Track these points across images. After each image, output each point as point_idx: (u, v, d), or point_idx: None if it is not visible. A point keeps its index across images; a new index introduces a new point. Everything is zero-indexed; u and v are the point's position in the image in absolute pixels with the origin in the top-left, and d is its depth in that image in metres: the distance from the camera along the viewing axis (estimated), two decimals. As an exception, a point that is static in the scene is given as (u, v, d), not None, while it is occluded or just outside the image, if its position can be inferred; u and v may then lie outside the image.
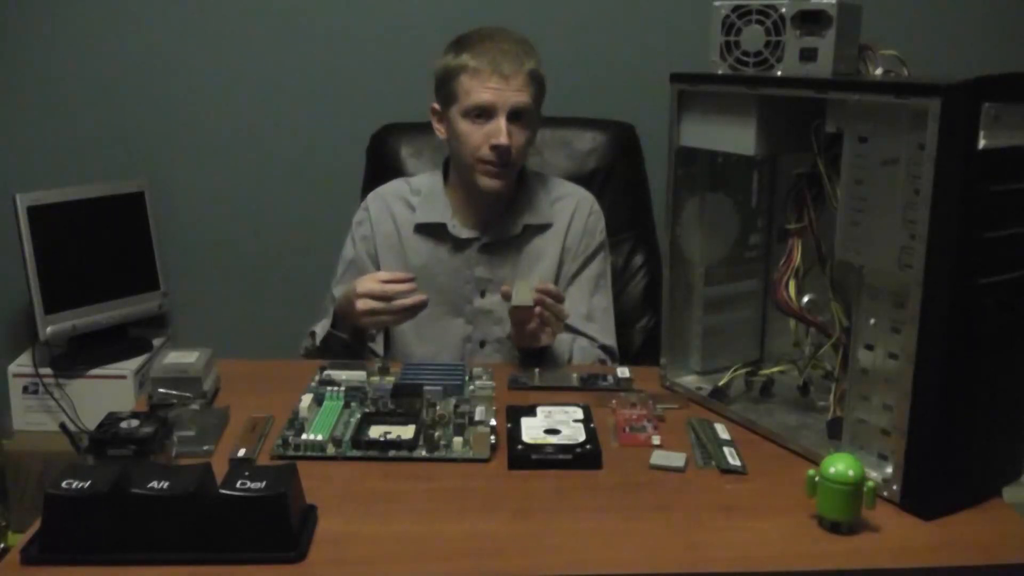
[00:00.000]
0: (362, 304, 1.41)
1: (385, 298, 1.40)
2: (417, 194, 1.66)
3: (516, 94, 1.51)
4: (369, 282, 1.42)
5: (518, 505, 1.03)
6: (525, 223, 1.62)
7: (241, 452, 1.10)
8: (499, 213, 1.63)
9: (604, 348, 1.62)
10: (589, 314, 1.63)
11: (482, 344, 1.62)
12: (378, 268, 1.63)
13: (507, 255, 1.63)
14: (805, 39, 1.12)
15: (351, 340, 1.50)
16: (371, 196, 1.70)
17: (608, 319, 1.67)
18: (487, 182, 1.56)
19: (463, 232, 1.62)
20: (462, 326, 1.62)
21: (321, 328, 1.53)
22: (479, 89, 1.51)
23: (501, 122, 1.51)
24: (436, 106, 1.61)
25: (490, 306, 1.61)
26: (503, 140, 1.50)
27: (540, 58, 1.57)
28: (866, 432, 1.09)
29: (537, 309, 1.39)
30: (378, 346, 1.65)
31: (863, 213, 1.05)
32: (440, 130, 1.61)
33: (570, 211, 1.65)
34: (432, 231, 1.63)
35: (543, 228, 1.64)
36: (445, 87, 1.56)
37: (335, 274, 1.68)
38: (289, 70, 2.32)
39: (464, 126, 1.54)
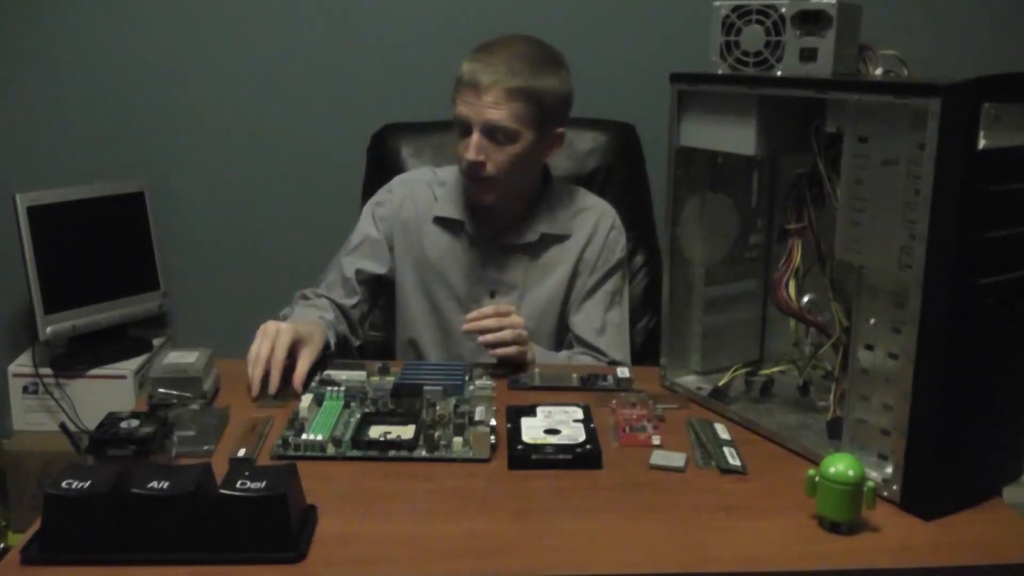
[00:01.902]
0: (264, 329, 1.33)
1: (266, 359, 1.30)
2: (442, 185, 1.66)
3: (489, 109, 1.47)
4: (277, 349, 1.31)
5: (518, 505, 1.03)
6: (543, 231, 1.61)
7: (241, 452, 1.10)
8: (518, 218, 1.62)
9: (614, 363, 1.61)
10: (602, 328, 1.62)
11: None
12: (392, 251, 1.64)
13: (521, 260, 1.62)
14: (805, 39, 1.12)
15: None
16: (397, 180, 1.70)
17: (622, 335, 1.66)
18: (471, 195, 1.58)
19: (480, 231, 1.62)
20: None
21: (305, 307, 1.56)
22: (459, 101, 1.51)
23: (473, 137, 1.49)
24: None
25: None
26: (470, 155, 1.50)
27: (549, 74, 1.51)
28: (866, 432, 1.09)
29: (487, 337, 1.39)
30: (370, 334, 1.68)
31: (863, 213, 1.05)
32: None
33: (591, 225, 1.64)
34: (450, 226, 1.63)
35: (561, 238, 1.63)
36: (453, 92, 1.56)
37: (346, 244, 1.66)
38: (289, 70, 2.32)
39: (455, 135, 1.55)
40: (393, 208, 1.65)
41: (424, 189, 1.66)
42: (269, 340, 1.31)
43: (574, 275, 1.63)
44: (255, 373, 1.29)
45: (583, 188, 1.73)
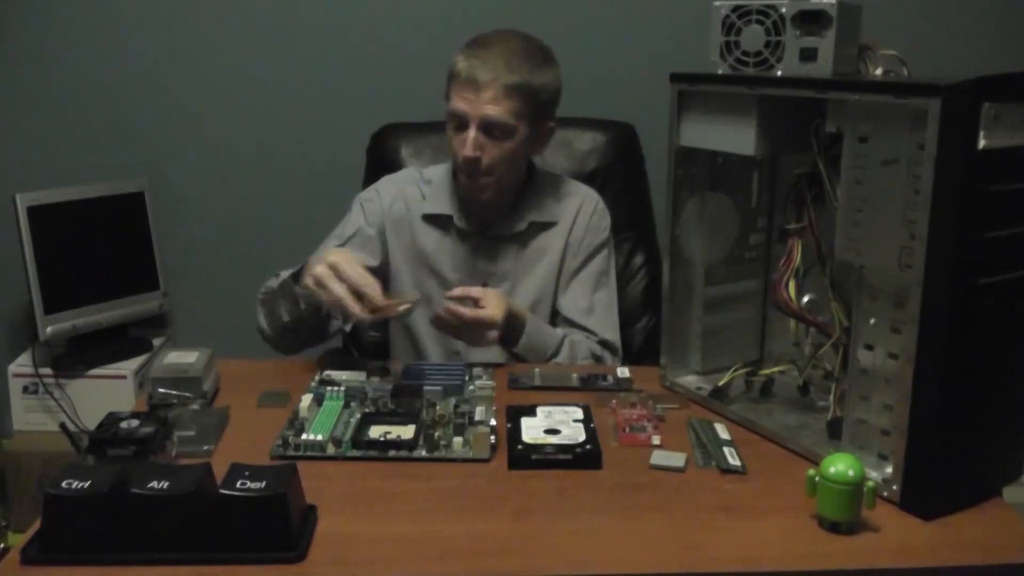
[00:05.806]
0: (321, 270, 1.30)
1: (355, 289, 1.29)
2: (428, 183, 1.67)
3: (488, 106, 1.49)
4: (354, 266, 1.31)
5: (518, 505, 1.03)
6: (531, 220, 1.64)
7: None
8: (506, 209, 1.64)
9: (603, 343, 1.62)
10: (590, 309, 1.64)
11: None
12: (385, 246, 1.64)
13: (511, 250, 1.64)
14: (805, 39, 1.12)
15: (298, 303, 1.42)
16: (384, 180, 1.72)
17: (610, 314, 1.67)
18: (464, 191, 1.59)
19: (469, 225, 1.63)
20: None
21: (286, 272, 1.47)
22: (455, 97, 1.52)
23: (470, 133, 1.50)
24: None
25: None
26: (467, 151, 1.50)
27: (543, 70, 1.53)
28: (866, 432, 1.09)
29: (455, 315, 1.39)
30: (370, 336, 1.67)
31: (863, 213, 1.05)
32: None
33: (575, 209, 1.67)
34: (439, 221, 1.65)
35: (548, 225, 1.65)
36: (446, 87, 1.57)
37: (333, 237, 1.64)
38: (289, 70, 2.32)
39: (448, 130, 1.56)
40: (383, 206, 1.66)
41: (412, 188, 1.68)
42: (334, 274, 1.28)
43: (563, 260, 1.65)
44: (352, 308, 1.27)
45: (566, 176, 1.75)
